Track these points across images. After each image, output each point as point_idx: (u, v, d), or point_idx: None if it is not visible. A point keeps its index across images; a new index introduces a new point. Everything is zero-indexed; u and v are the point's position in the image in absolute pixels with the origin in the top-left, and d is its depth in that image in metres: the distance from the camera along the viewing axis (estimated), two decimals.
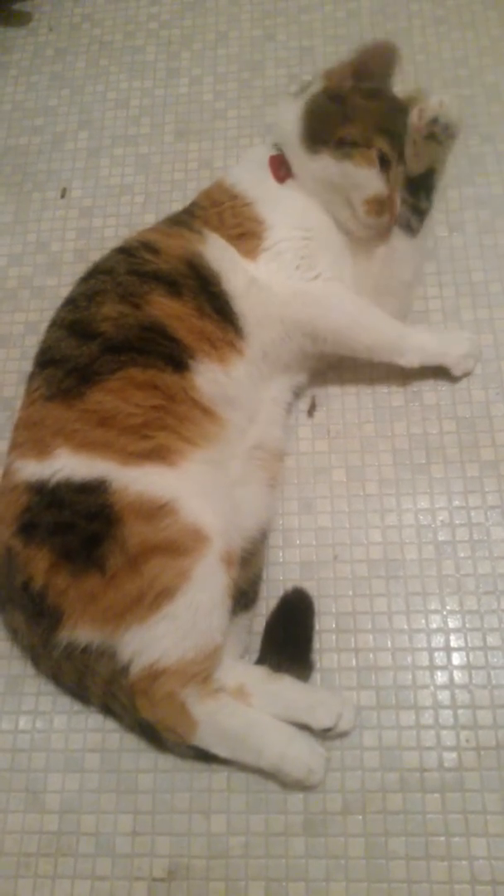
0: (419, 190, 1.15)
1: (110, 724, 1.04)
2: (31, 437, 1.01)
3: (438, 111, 1.06)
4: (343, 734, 0.99)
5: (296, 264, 1.11)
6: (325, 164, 1.11)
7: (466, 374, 1.18)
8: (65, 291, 1.15)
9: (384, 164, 1.09)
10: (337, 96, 1.12)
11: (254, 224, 1.12)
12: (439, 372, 1.18)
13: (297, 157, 1.15)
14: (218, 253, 1.10)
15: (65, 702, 1.06)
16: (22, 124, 1.61)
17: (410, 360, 1.13)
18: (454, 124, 1.07)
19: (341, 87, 1.12)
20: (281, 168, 1.16)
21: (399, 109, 1.13)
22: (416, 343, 1.13)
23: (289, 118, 1.16)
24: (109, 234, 1.44)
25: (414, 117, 1.08)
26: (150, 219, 1.42)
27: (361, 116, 1.10)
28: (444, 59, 1.53)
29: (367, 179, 1.09)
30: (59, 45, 1.71)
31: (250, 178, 1.16)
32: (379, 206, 1.11)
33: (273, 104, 1.52)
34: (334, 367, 1.21)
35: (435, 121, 1.07)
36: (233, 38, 1.64)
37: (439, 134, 1.08)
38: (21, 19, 1.75)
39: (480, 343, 1.20)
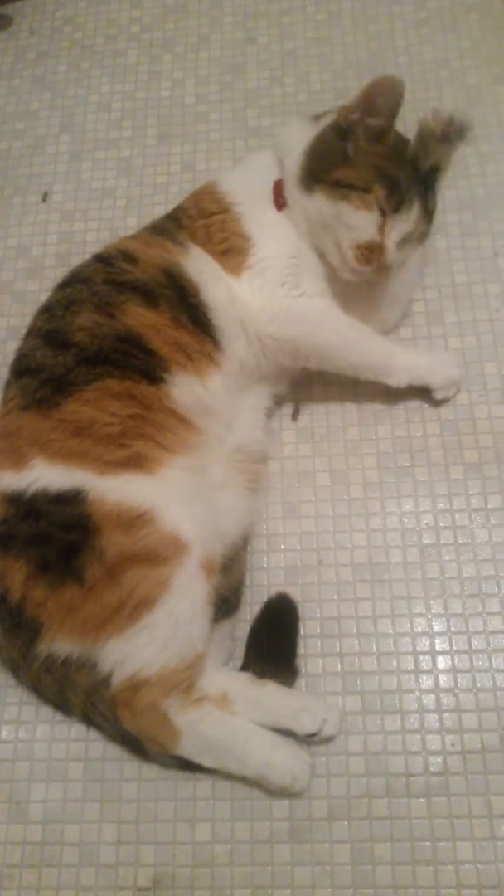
0: (426, 190, 1.12)
1: (93, 733, 1.03)
2: (7, 448, 1.00)
3: (453, 111, 1.05)
4: (328, 740, 0.99)
5: (281, 281, 1.10)
6: (319, 203, 1.08)
7: (446, 401, 1.17)
8: (46, 296, 1.14)
9: (381, 211, 1.06)
10: (343, 131, 1.09)
11: (240, 240, 1.11)
12: (421, 391, 1.17)
13: (292, 191, 1.12)
14: (198, 264, 1.09)
15: (47, 711, 1.05)
16: (3, 128, 1.60)
17: (398, 381, 1.13)
18: (468, 124, 1.07)
19: (348, 119, 1.08)
20: (281, 196, 1.13)
21: (402, 154, 1.10)
22: (405, 363, 1.12)
23: (295, 146, 1.13)
24: (91, 239, 1.43)
25: (429, 120, 1.06)
26: (132, 222, 1.42)
27: (363, 160, 1.07)
28: (425, 62, 1.53)
29: (363, 223, 1.06)
30: (40, 49, 1.70)
31: (246, 192, 1.14)
32: (369, 253, 1.06)
33: (276, 116, 1.50)
34: (318, 373, 1.21)
35: (451, 122, 1.05)
36: (214, 41, 1.63)
37: (452, 134, 1.07)
38: (2, 23, 1.74)
39: (466, 398, 1.19)
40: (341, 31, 1.59)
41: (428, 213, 1.14)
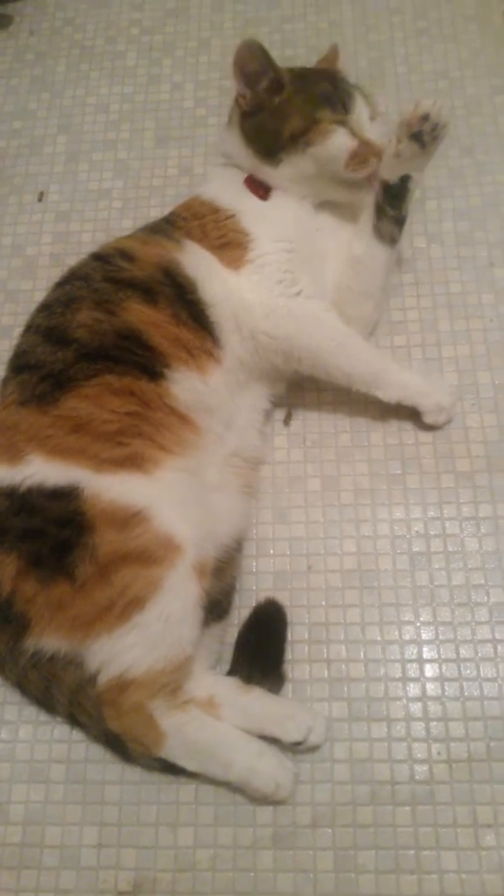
0: (399, 199, 1.13)
1: (76, 734, 1.02)
2: (4, 442, 0.99)
3: (431, 109, 1.04)
4: (313, 748, 0.99)
5: (278, 278, 1.10)
6: (294, 165, 1.13)
7: (435, 427, 1.17)
8: (39, 296, 1.14)
9: (340, 123, 1.10)
10: (253, 110, 1.14)
11: (238, 235, 1.11)
12: (412, 413, 1.17)
13: (268, 174, 1.15)
14: (195, 260, 1.09)
15: (31, 712, 1.04)
16: (0, 127, 1.60)
17: (389, 395, 1.12)
18: (442, 126, 1.06)
19: (246, 101, 1.14)
20: (259, 188, 1.16)
21: (307, 72, 1.17)
22: (399, 380, 1.12)
23: (237, 149, 1.18)
24: (86, 239, 1.42)
25: (408, 110, 1.06)
26: (127, 224, 1.41)
27: (289, 108, 1.12)
28: (424, 71, 1.53)
29: (335, 146, 1.10)
30: (39, 49, 1.70)
31: (229, 194, 1.16)
32: (360, 157, 1.11)
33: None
34: (311, 379, 1.21)
35: (426, 117, 1.04)
36: (215, 46, 1.64)
37: (426, 133, 1.05)
38: (2, 22, 1.74)
39: (459, 406, 1.18)
40: (342, 39, 1.59)
41: (398, 221, 1.15)
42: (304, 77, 1.15)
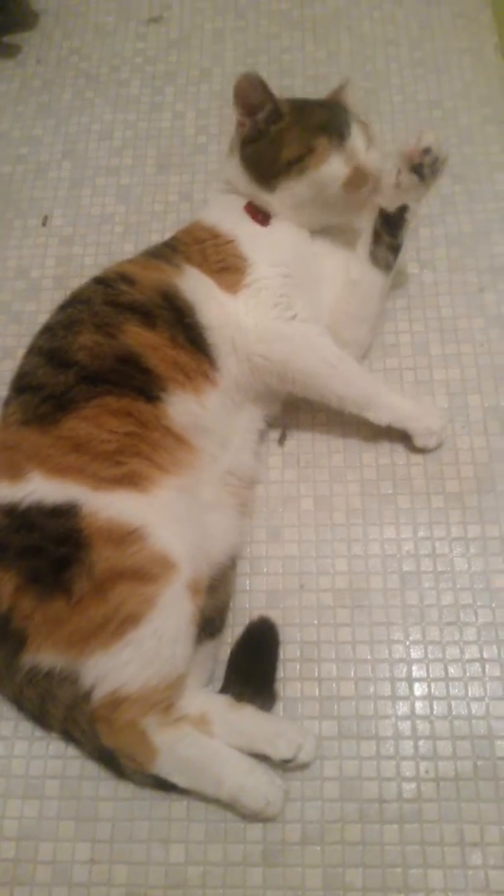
0: (396, 227, 1.18)
1: (71, 750, 1.04)
2: (5, 461, 1.01)
3: (433, 143, 1.10)
4: (303, 766, 1.00)
5: (274, 302, 1.12)
6: (290, 191, 1.16)
7: (425, 451, 1.19)
8: (43, 317, 1.17)
9: (335, 150, 1.13)
10: (253, 137, 1.18)
11: (236, 260, 1.14)
12: (403, 437, 1.19)
13: (266, 200, 1.19)
14: (193, 285, 1.12)
15: (26, 728, 1.06)
16: (6, 153, 1.64)
17: (380, 418, 1.15)
18: (442, 161, 1.11)
19: (246, 130, 1.18)
20: (259, 214, 1.19)
21: (306, 103, 1.20)
22: (390, 403, 1.15)
23: (237, 175, 1.21)
24: (89, 262, 1.46)
25: (410, 142, 1.11)
26: (129, 248, 1.45)
27: (287, 137, 1.15)
28: (419, 101, 1.57)
29: (330, 171, 1.13)
30: (46, 77, 1.74)
31: (230, 220, 1.19)
32: (355, 181, 1.14)
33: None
34: (305, 400, 1.23)
35: (428, 151, 1.10)
36: (216, 75, 1.68)
37: (426, 166, 1.11)
38: (10, 51, 1.79)
39: (449, 428, 1.21)
40: (338, 68, 1.63)
41: (395, 249, 1.19)
42: (302, 107, 1.18)
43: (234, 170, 1.22)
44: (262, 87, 1.14)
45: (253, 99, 1.15)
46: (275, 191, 1.17)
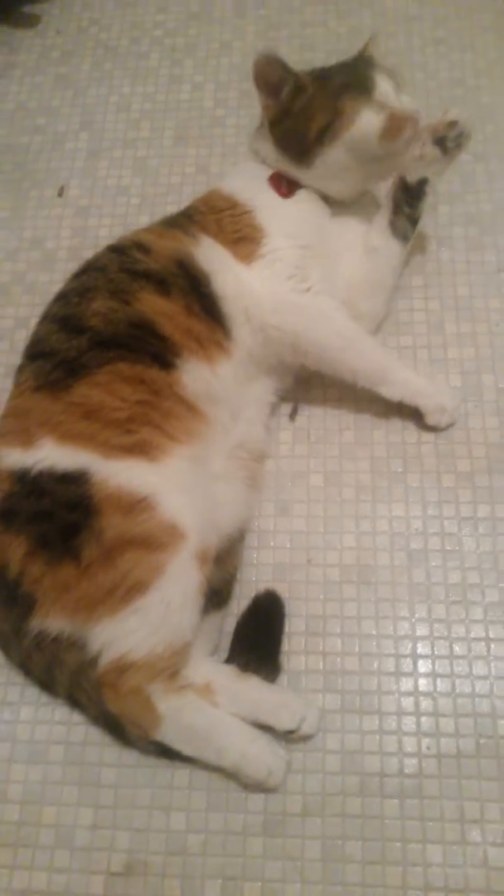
0: (415, 199, 1.18)
1: (76, 716, 1.04)
2: (17, 427, 1.02)
3: (459, 117, 1.10)
4: (306, 738, 1.00)
5: (289, 273, 1.12)
6: (327, 161, 1.14)
7: (437, 429, 1.18)
8: (57, 288, 1.16)
9: (363, 103, 1.10)
10: (279, 117, 1.16)
11: (252, 230, 1.14)
12: (414, 414, 1.19)
13: (303, 175, 1.17)
14: (209, 254, 1.11)
15: (32, 693, 1.06)
16: (24, 123, 1.63)
17: (392, 393, 1.14)
18: (466, 136, 1.11)
19: (271, 111, 1.16)
20: (283, 185, 1.18)
21: (326, 69, 1.17)
22: (403, 378, 1.14)
23: (269, 151, 1.19)
24: (104, 234, 1.45)
25: (439, 116, 1.10)
26: (144, 220, 1.44)
27: (312, 107, 1.13)
28: (441, 79, 1.55)
29: (363, 126, 1.10)
30: (65, 48, 1.73)
31: (249, 189, 1.18)
32: (392, 129, 1.09)
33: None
34: (318, 375, 1.23)
35: (454, 124, 1.10)
36: (236, 48, 1.66)
37: (450, 140, 1.11)
38: (29, 21, 1.78)
39: (462, 407, 1.20)
40: (360, 44, 1.60)
41: (412, 220, 1.19)
42: (322, 74, 1.16)
43: (265, 146, 1.19)
44: (281, 64, 1.12)
45: (273, 77, 1.13)
46: (312, 165, 1.15)
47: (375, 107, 1.10)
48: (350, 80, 1.13)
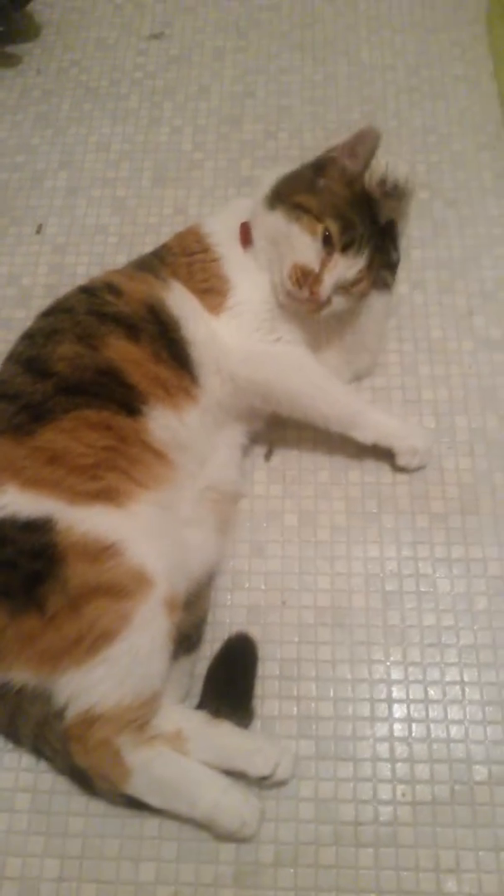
0: (386, 242, 1.17)
1: (44, 764, 1.02)
2: None
3: (385, 172, 1.07)
4: (281, 783, 0.98)
5: (255, 326, 1.12)
6: (276, 220, 1.11)
7: (408, 470, 1.18)
8: None
9: (327, 244, 1.07)
10: (319, 167, 1.13)
11: (219, 282, 1.13)
12: (389, 455, 1.19)
13: (258, 213, 1.15)
14: (179, 300, 1.11)
15: None
16: (3, 161, 1.64)
17: (365, 437, 1.15)
18: (402, 183, 1.09)
19: (328, 155, 1.13)
20: (247, 235, 1.17)
21: (365, 204, 1.12)
22: (375, 422, 1.14)
23: (271, 178, 1.17)
24: (81, 272, 1.46)
25: (367, 181, 1.10)
26: (121, 258, 1.45)
27: (328, 196, 1.10)
28: (414, 126, 1.59)
29: (304, 246, 1.08)
30: (45, 88, 1.75)
31: (224, 234, 1.17)
32: (302, 276, 1.07)
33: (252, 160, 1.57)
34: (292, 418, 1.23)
35: (383, 181, 1.08)
36: (214, 92, 1.70)
37: (391, 192, 1.10)
38: (10, 61, 1.80)
39: (435, 448, 1.20)
40: (336, 91, 1.65)
41: (391, 266, 1.18)
42: (363, 201, 1.12)
43: (275, 175, 1.17)
44: (373, 153, 1.09)
45: (362, 153, 1.09)
46: (272, 211, 1.13)
47: (322, 257, 1.07)
48: (352, 228, 1.08)
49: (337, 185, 1.11)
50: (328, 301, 1.10)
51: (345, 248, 1.08)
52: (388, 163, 1.07)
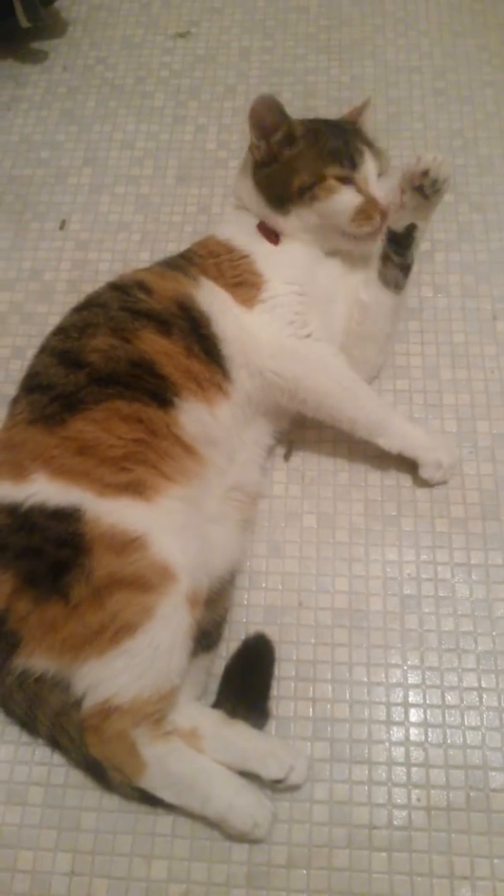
0: (404, 247, 1.16)
1: (57, 758, 1.02)
2: (9, 460, 1.00)
3: (431, 164, 1.06)
4: (294, 787, 0.98)
5: (289, 319, 1.12)
6: (300, 217, 1.16)
7: (430, 483, 1.17)
8: (54, 319, 1.16)
9: (346, 180, 1.13)
10: (266, 160, 1.17)
11: (252, 276, 1.14)
12: (411, 467, 1.18)
13: (276, 221, 1.18)
14: (209, 297, 1.12)
15: (12, 732, 1.04)
16: (28, 156, 1.65)
17: (390, 445, 1.14)
18: (442, 181, 1.08)
19: (259, 151, 1.17)
20: (270, 234, 1.19)
21: (321, 126, 1.19)
22: (402, 430, 1.14)
23: (249, 195, 1.21)
24: (103, 268, 1.46)
25: (410, 164, 1.08)
26: (144, 256, 1.45)
27: (299, 162, 1.15)
28: (440, 129, 1.59)
29: (341, 202, 1.13)
30: (71, 84, 1.76)
31: (243, 237, 1.19)
32: (365, 214, 1.13)
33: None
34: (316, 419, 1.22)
35: (426, 173, 1.07)
36: (240, 92, 1.70)
37: (427, 187, 1.08)
38: (37, 57, 1.81)
39: (459, 464, 1.19)
40: (362, 93, 1.65)
41: (405, 268, 1.18)
42: (316, 131, 1.18)
43: (246, 189, 1.22)
44: (279, 109, 1.14)
45: (268, 121, 1.14)
46: (287, 215, 1.17)
47: (356, 186, 1.14)
48: (340, 149, 1.15)
49: (290, 151, 1.16)
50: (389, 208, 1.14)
51: (353, 164, 1.14)
52: (437, 158, 1.06)
